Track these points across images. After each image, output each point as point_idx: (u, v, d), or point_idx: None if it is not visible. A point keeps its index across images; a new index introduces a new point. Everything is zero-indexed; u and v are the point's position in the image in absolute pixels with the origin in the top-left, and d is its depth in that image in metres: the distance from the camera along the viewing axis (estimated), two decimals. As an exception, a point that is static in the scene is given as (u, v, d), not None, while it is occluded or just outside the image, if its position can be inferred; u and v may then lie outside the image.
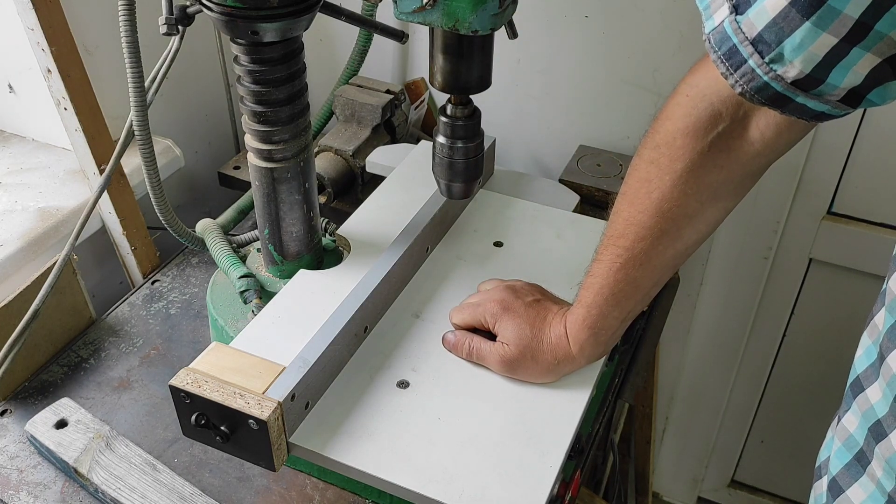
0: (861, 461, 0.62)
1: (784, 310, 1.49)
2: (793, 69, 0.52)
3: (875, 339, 0.62)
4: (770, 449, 1.73)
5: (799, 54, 0.51)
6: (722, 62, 0.56)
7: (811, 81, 0.53)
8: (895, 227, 1.30)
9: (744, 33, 0.53)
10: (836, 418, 0.67)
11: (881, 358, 0.60)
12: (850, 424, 0.64)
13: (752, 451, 1.75)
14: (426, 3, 0.71)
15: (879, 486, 0.60)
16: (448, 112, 0.85)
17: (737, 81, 0.56)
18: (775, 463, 1.75)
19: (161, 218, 1.02)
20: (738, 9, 0.53)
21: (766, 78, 0.54)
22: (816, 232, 1.35)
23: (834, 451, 0.66)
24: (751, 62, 0.54)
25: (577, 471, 0.87)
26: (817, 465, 0.69)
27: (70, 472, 0.89)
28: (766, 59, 0.53)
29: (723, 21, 0.55)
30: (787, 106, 0.56)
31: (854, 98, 0.53)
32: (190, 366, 0.77)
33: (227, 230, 1.12)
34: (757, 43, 0.53)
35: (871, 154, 1.25)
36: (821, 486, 0.67)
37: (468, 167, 0.88)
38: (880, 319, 0.61)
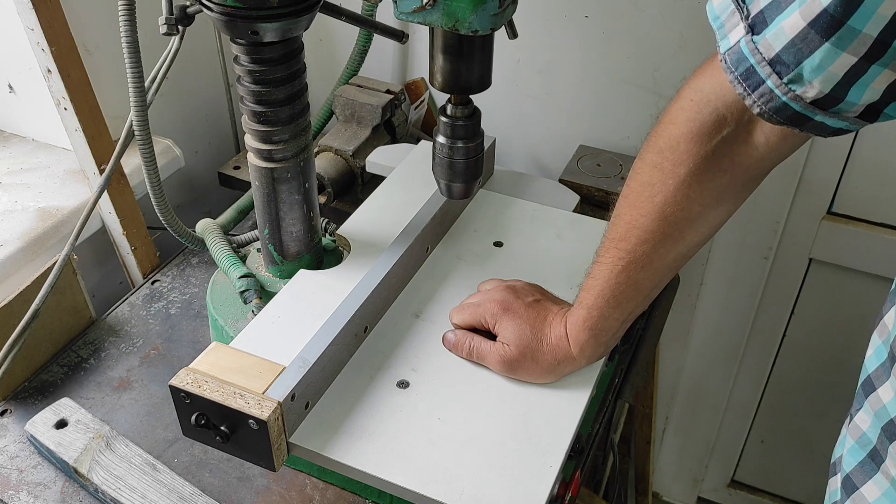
0: (875, 459, 0.62)
1: (784, 310, 1.49)
2: (812, 89, 0.52)
3: (885, 340, 0.62)
4: (770, 449, 1.73)
5: (818, 75, 0.51)
6: (739, 83, 0.55)
7: (830, 100, 0.52)
8: (895, 227, 1.30)
9: (761, 54, 0.53)
10: (849, 416, 0.67)
11: (892, 359, 0.60)
12: (862, 423, 0.64)
13: (752, 450, 1.75)
14: (426, 3, 0.71)
15: (894, 483, 0.60)
16: (448, 112, 0.85)
17: (755, 102, 0.55)
18: (775, 463, 1.75)
19: (161, 218, 1.02)
20: (754, 29, 0.53)
21: (784, 98, 0.54)
22: (816, 232, 1.35)
23: (847, 448, 0.66)
24: (769, 83, 0.54)
25: (577, 471, 0.87)
26: (832, 461, 0.69)
27: (70, 472, 0.89)
28: (785, 80, 0.53)
29: (739, 41, 0.54)
30: (806, 125, 0.55)
31: (872, 113, 0.53)
32: (190, 366, 0.77)
33: (227, 230, 1.12)
34: (775, 64, 0.53)
35: (871, 154, 1.25)
36: (835, 483, 0.67)
37: (468, 167, 0.88)
38: (890, 320, 0.61)
